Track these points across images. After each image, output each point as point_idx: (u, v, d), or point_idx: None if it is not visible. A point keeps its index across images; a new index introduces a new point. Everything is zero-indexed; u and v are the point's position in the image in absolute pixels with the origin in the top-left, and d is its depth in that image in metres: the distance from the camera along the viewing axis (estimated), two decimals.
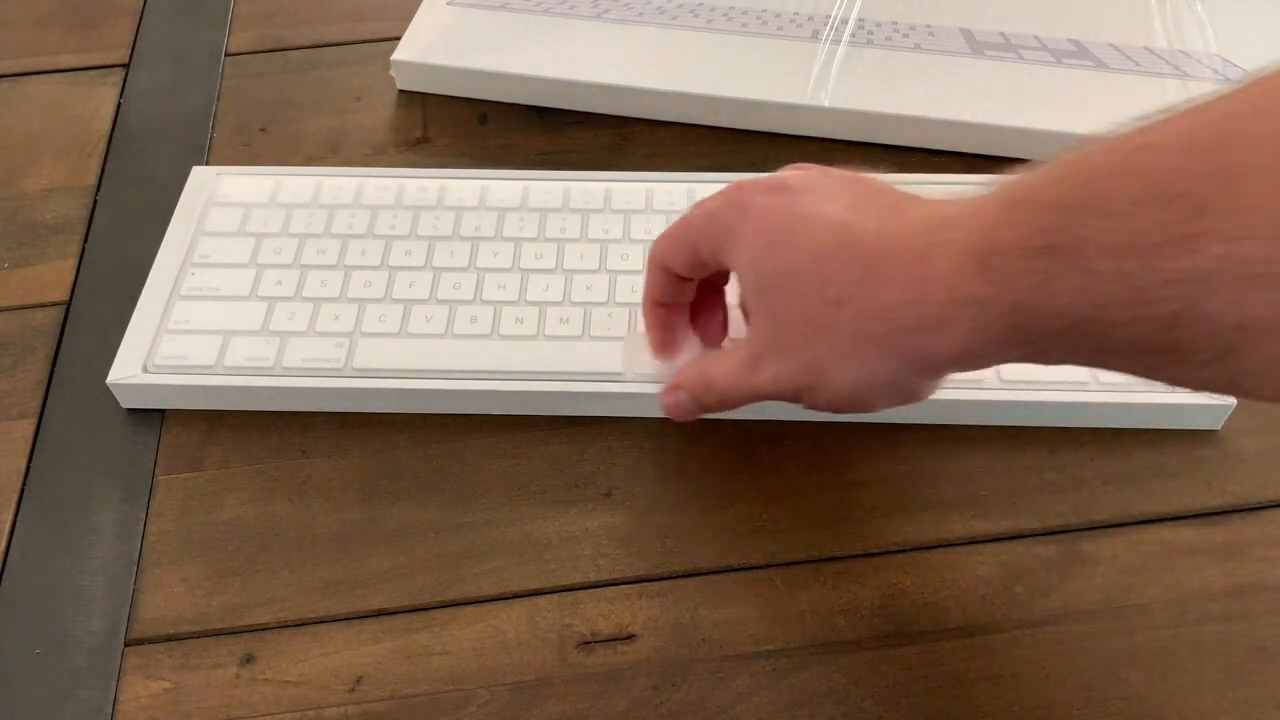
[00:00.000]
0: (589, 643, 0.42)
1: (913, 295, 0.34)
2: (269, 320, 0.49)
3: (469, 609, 0.43)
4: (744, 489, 0.46)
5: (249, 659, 0.42)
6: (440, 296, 0.50)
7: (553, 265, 0.51)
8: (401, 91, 0.64)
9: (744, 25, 0.65)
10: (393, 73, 0.64)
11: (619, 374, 0.47)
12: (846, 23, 0.64)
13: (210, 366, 0.48)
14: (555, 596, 0.43)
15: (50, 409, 0.50)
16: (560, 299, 0.50)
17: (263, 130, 0.62)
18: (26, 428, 0.49)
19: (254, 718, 0.40)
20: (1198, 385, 0.31)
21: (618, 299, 0.49)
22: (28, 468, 0.48)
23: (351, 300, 0.50)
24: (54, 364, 0.51)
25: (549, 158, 0.60)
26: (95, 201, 0.59)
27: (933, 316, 0.33)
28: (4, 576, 0.44)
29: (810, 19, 0.65)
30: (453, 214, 0.53)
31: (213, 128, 0.62)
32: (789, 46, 0.63)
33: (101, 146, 0.62)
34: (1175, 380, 0.31)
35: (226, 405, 0.49)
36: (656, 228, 0.52)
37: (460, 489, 0.46)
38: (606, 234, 0.52)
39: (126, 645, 0.42)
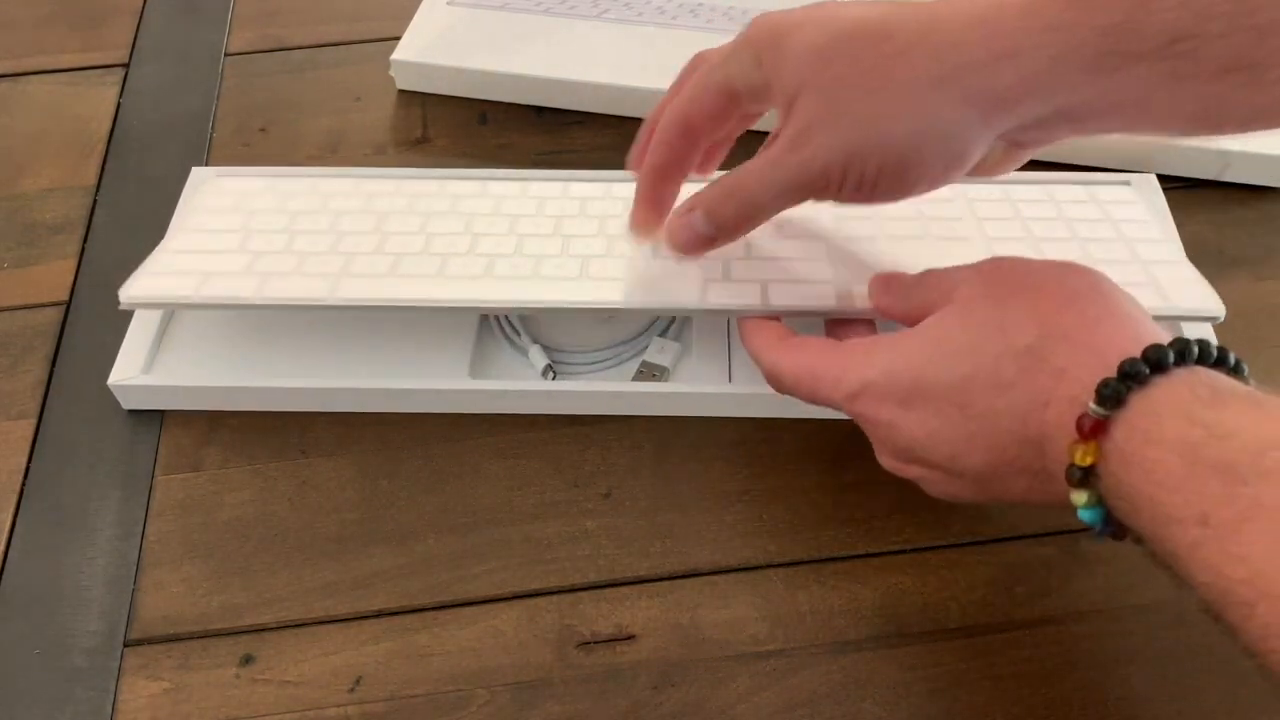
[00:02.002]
0: (589, 643, 0.42)
1: (984, 29, 0.34)
2: (254, 265, 0.48)
3: (469, 609, 0.43)
4: (744, 489, 0.46)
5: (249, 659, 0.42)
6: (434, 250, 0.48)
7: (550, 231, 0.49)
8: (401, 91, 0.64)
9: (744, 25, 0.64)
10: (392, 72, 0.64)
11: (618, 303, 0.45)
12: None
13: (187, 298, 0.46)
14: (555, 596, 0.43)
15: (50, 409, 0.50)
16: (558, 253, 0.48)
17: (262, 130, 0.62)
18: (26, 428, 0.49)
19: (254, 718, 0.40)
20: (1255, 113, 0.33)
21: (616, 253, 0.48)
22: (28, 468, 0.48)
23: (341, 254, 0.48)
24: (54, 364, 0.51)
25: (549, 157, 0.60)
26: (95, 201, 0.59)
27: (1007, 45, 0.33)
28: (4, 576, 0.44)
29: None
30: (451, 197, 0.52)
31: (213, 128, 0.62)
32: None
33: (101, 146, 0.62)
34: (1240, 109, 0.33)
35: (226, 406, 0.49)
36: None
37: (460, 489, 0.46)
38: (606, 213, 0.51)
39: (126, 645, 0.42)
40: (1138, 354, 0.32)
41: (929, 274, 0.40)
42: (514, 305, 0.46)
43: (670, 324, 0.50)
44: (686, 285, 0.45)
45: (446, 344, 0.50)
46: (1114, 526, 0.33)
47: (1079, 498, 0.33)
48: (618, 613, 0.43)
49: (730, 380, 0.48)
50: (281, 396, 0.48)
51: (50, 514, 0.46)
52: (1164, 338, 0.33)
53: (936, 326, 0.37)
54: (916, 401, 0.36)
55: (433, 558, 0.44)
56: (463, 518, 0.45)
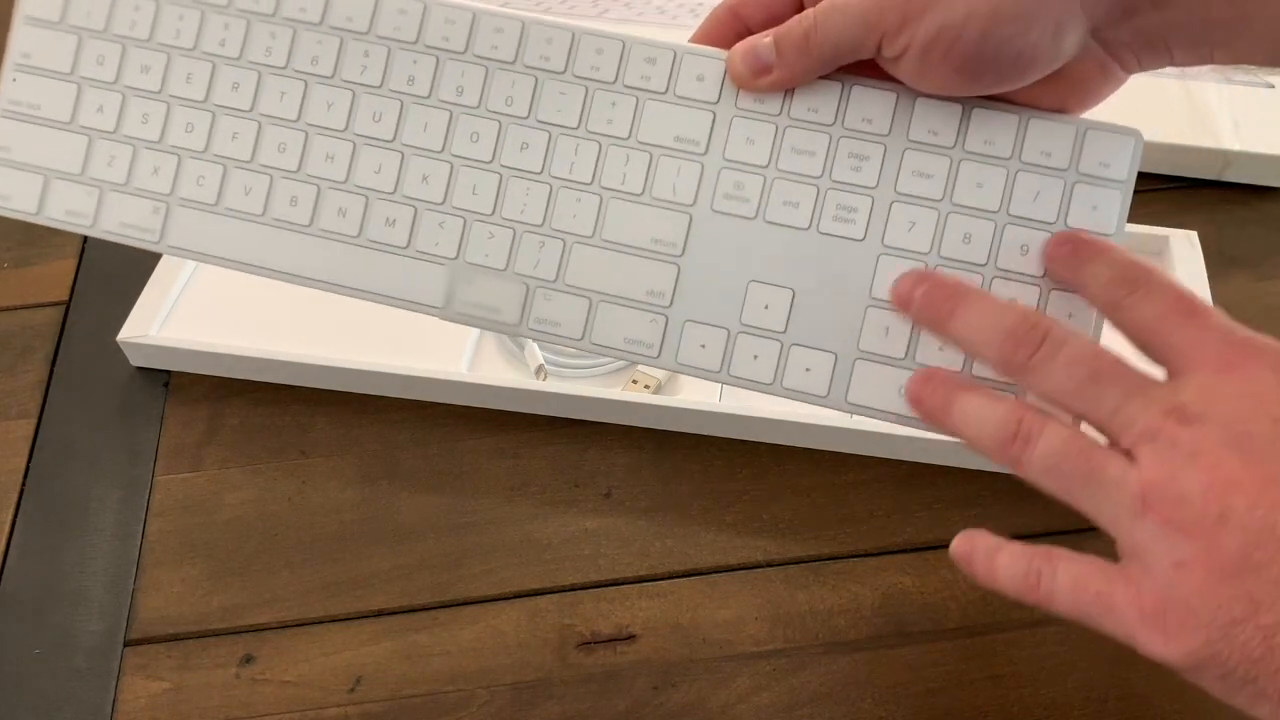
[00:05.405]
0: (589, 643, 0.42)
1: None
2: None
3: (469, 609, 0.43)
4: (744, 489, 0.46)
5: (249, 659, 0.42)
6: (262, 161, 0.38)
7: (390, 137, 0.38)
8: None
9: None
10: None
11: (438, 307, 0.37)
12: None
13: (32, 214, 0.41)
14: (555, 596, 0.43)
15: (50, 409, 0.50)
16: (391, 189, 0.37)
17: None
18: (26, 428, 0.49)
19: (254, 718, 0.40)
20: None
21: (455, 202, 0.37)
22: (28, 468, 0.48)
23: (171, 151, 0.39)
24: (54, 364, 0.51)
25: None
26: None
27: None
28: (4, 576, 0.44)
29: None
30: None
31: None
32: None
33: None
34: None
35: (231, 373, 0.49)
36: None
37: (460, 489, 0.46)
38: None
39: (126, 645, 0.42)
40: None
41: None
42: (333, 286, 0.38)
43: None
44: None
45: (452, 331, 0.50)
46: None
47: None
48: (618, 613, 0.43)
49: (720, 399, 0.48)
50: (285, 370, 0.49)
51: (50, 514, 0.46)
52: None
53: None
54: None
55: (433, 558, 0.44)
56: (463, 518, 0.45)
